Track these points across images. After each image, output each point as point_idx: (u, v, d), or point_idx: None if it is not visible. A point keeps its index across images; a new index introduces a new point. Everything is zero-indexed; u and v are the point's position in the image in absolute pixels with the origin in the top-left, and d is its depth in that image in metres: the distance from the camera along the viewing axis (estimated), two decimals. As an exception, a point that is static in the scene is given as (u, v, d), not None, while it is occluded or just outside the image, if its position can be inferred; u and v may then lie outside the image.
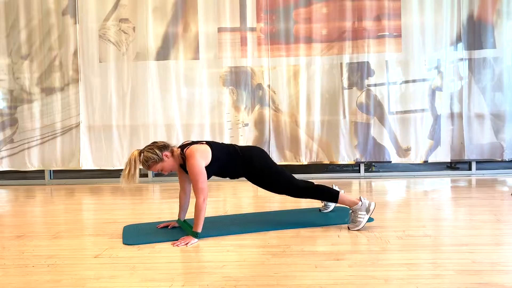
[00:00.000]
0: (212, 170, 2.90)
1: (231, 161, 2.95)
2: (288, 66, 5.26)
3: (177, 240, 2.74)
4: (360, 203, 2.89)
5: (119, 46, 5.32)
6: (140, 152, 2.81)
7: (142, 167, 2.83)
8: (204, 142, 2.94)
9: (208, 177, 2.87)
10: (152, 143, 2.89)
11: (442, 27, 5.16)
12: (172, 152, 2.87)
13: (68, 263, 2.39)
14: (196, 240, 2.73)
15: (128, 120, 5.34)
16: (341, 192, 3.02)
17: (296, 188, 3.01)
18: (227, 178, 3.11)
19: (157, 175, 5.63)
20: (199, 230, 2.75)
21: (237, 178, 3.10)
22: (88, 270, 2.28)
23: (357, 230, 2.86)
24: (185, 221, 3.02)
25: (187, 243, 2.69)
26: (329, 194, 3.02)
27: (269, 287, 1.99)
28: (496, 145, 5.19)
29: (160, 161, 2.81)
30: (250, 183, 3.06)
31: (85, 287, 2.04)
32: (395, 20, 5.17)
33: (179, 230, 2.99)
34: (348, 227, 2.92)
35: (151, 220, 3.34)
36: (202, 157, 2.80)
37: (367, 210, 2.89)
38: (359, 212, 2.88)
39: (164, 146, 2.84)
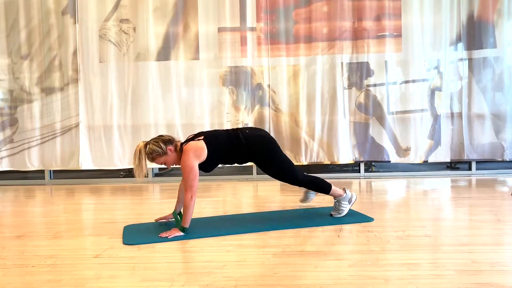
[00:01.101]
0: (214, 162, 3.01)
1: (234, 150, 3.03)
2: (288, 66, 5.26)
3: (171, 236, 2.83)
4: (344, 194, 3.25)
5: (120, 46, 5.32)
6: (146, 144, 2.90)
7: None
8: (202, 138, 2.96)
9: (212, 168, 3.05)
10: (158, 136, 3.00)
11: (442, 27, 5.15)
12: (175, 147, 2.96)
13: (68, 263, 2.39)
14: (181, 234, 2.83)
15: (128, 120, 5.34)
16: (332, 186, 3.27)
17: (296, 179, 3.20)
18: (235, 164, 3.23)
19: (157, 175, 5.64)
20: (187, 225, 2.86)
21: (245, 163, 3.21)
22: (88, 270, 2.28)
23: (338, 216, 3.20)
24: (180, 213, 3.12)
25: (170, 235, 2.80)
26: (323, 187, 3.26)
27: (269, 287, 1.99)
28: (497, 145, 5.18)
29: (164, 154, 2.91)
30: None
31: (85, 287, 2.05)
32: (395, 20, 5.17)
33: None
34: (331, 214, 3.24)
35: (151, 220, 3.33)
36: (195, 156, 2.88)
37: (349, 201, 3.27)
38: (343, 202, 3.24)
39: (169, 141, 2.94)
